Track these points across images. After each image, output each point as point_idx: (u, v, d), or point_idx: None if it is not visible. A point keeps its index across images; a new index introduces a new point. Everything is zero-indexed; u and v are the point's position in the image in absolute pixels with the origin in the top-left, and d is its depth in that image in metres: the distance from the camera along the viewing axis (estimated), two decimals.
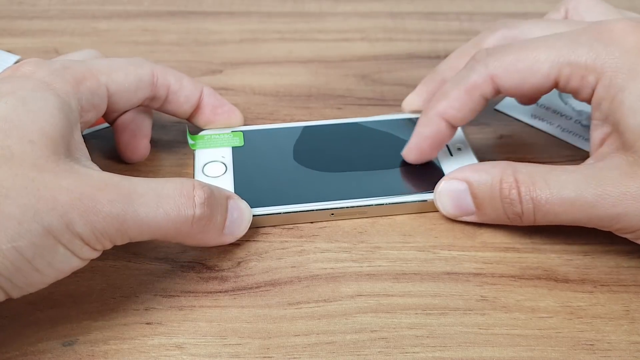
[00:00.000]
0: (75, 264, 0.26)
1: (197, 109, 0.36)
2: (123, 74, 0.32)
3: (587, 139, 0.39)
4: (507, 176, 0.30)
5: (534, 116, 0.41)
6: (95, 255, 0.26)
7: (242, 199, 0.31)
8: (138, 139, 0.35)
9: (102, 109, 0.32)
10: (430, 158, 0.35)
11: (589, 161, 0.31)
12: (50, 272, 0.25)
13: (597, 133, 0.31)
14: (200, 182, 0.29)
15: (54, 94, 0.28)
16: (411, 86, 0.43)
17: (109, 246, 0.26)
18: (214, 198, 0.29)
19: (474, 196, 0.32)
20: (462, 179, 0.32)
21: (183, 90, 0.35)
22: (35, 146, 0.25)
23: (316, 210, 0.33)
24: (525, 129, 0.40)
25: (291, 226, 0.33)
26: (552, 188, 0.29)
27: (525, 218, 0.30)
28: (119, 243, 0.26)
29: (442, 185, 0.33)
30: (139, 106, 0.35)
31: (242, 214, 0.31)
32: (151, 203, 0.26)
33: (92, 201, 0.25)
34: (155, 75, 0.33)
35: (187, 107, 0.35)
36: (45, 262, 0.24)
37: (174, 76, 0.34)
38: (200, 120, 0.37)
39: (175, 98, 0.35)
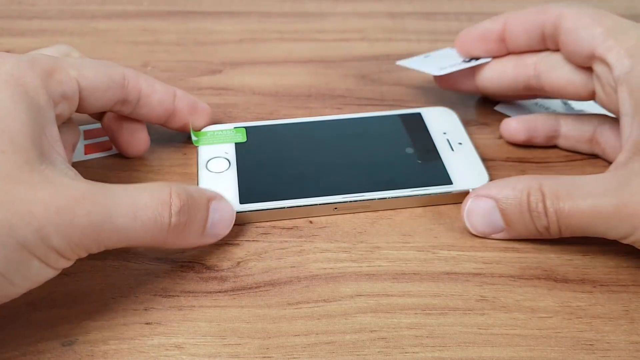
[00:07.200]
0: (50, 274, 0.25)
1: (171, 113, 0.35)
2: (93, 72, 0.31)
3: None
4: (534, 190, 0.30)
5: None
6: (69, 264, 0.26)
7: (246, 194, 0.32)
8: (137, 135, 0.35)
9: (75, 102, 0.30)
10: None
11: (619, 158, 0.30)
12: (24, 284, 0.25)
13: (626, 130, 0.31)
14: (177, 188, 0.28)
15: (22, 92, 0.27)
16: (411, 86, 0.44)
17: (84, 255, 0.26)
18: (191, 204, 0.28)
19: (503, 213, 0.31)
20: (488, 197, 0.31)
21: (156, 94, 0.34)
22: (7, 156, 0.24)
23: (319, 204, 0.33)
24: None
25: (291, 226, 0.33)
26: (574, 199, 0.29)
27: (552, 231, 0.30)
28: (94, 252, 0.26)
29: (469, 204, 0.32)
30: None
31: (224, 214, 0.31)
32: (129, 213, 0.26)
33: (69, 214, 0.24)
34: (127, 79, 0.33)
35: (160, 110, 0.35)
36: (19, 275, 0.24)
37: (145, 80, 0.34)
38: (175, 124, 0.36)
39: (147, 102, 0.34)
